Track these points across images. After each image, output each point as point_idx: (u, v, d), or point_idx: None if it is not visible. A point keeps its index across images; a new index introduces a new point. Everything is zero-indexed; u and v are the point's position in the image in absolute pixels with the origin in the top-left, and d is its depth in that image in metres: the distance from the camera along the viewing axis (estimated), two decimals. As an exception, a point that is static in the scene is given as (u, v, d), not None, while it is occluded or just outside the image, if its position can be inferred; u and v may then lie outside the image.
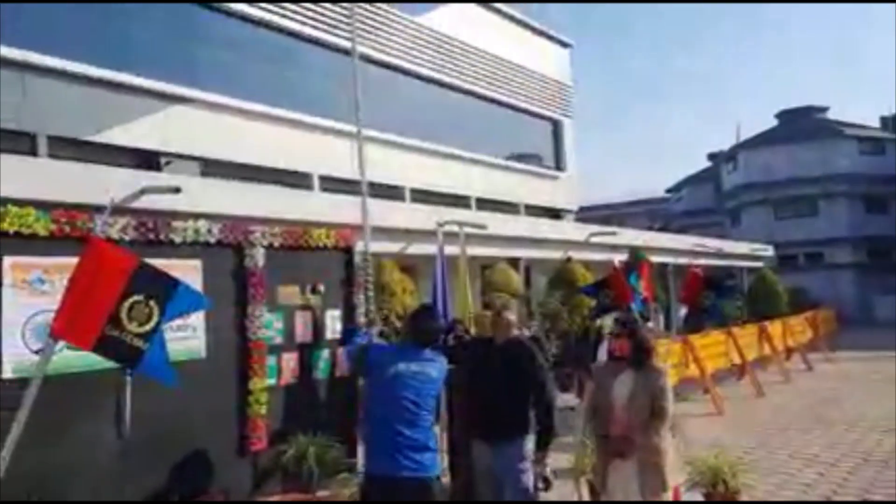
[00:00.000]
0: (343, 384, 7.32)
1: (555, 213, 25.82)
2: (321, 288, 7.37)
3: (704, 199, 50.45)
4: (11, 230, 5.10)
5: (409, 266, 11.16)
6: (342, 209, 9.60)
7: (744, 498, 5.64)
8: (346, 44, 16.79)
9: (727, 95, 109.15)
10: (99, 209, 5.71)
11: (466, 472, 5.25)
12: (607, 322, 7.46)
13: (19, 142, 11.48)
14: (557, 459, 5.50)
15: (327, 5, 16.74)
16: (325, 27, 16.89)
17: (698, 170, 53.88)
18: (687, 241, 23.44)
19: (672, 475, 4.41)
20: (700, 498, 5.72)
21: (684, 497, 5.82)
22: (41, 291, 5.25)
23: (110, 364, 5.09)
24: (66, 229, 5.42)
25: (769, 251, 28.35)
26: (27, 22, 11.78)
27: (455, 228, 10.43)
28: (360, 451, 5.02)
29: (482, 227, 11.30)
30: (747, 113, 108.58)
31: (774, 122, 47.43)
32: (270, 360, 6.83)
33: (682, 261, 22.99)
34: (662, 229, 51.29)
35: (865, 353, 19.02)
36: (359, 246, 7.69)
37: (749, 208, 44.25)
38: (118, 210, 6.47)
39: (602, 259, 18.05)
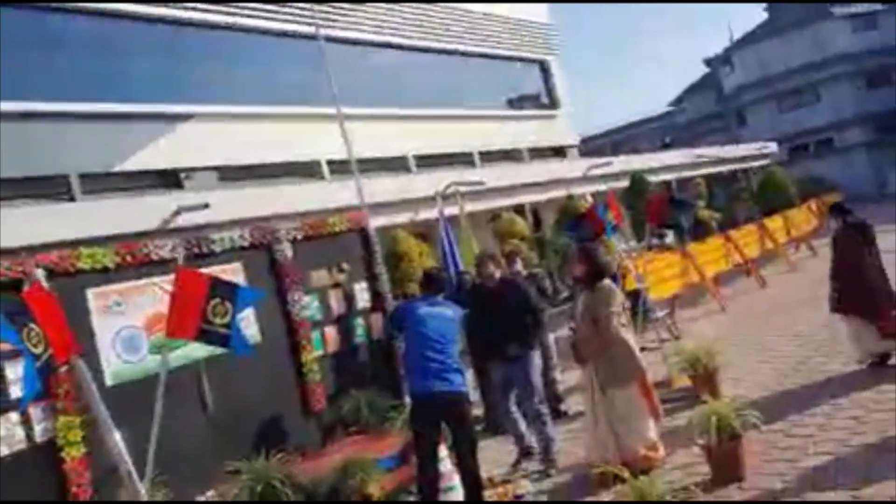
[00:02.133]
0: (379, 344, 8.47)
1: (559, 151, 26.62)
2: (346, 266, 8.47)
3: (707, 107, 50.53)
4: (87, 267, 6.26)
5: (422, 232, 12.22)
6: (352, 190, 10.66)
7: (721, 375, 6.73)
8: (328, 32, 17.78)
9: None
10: (147, 234, 6.88)
11: (490, 390, 6.49)
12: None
13: (55, 184, 12.67)
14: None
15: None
16: (293, 18, 17.44)
17: (697, 78, 53.79)
18: (686, 153, 24.13)
19: (632, 372, 5.24)
20: (688, 382, 6.82)
21: (676, 381, 6.93)
22: (120, 312, 6.43)
23: (189, 361, 6.34)
24: (128, 258, 6.57)
25: (772, 147, 28.86)
26: (43, 75, 12.87)
27: (462, 188, 11.43)
28: (405, 384, 6.17)
29: (480, 183, 12.28)
30: (737, 11, 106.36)
31: (765, 16, 47.06)
32: (315, 334, 7.97)
33: (686, 174, 23.80)
34: (673, 144, 51.70)
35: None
36: (375, 222, 8.77)
37: (752, 107, 44.38)
38: (163, 231, 7.66)
39: (605, 188, 19.01)
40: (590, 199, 9.39)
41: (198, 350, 5.64)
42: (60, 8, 13.30)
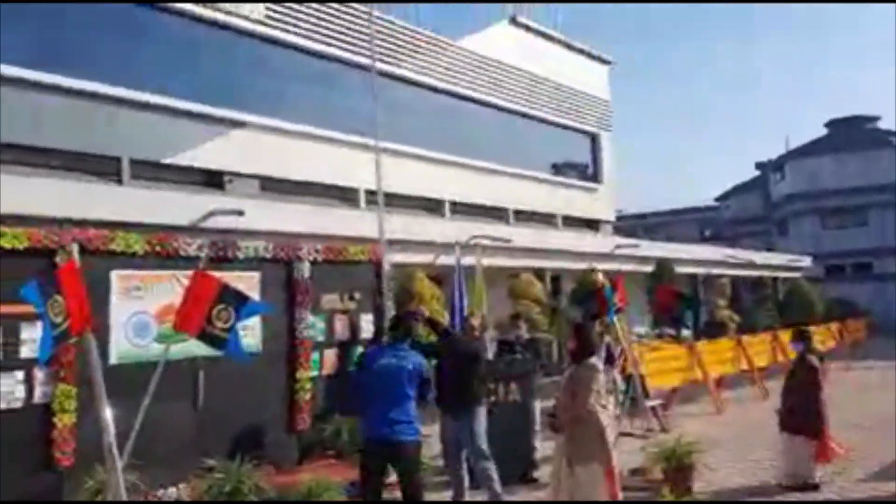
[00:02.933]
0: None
1: (592, 224, 26.91)
2: (357, 295, 8.79)
3: (753, 208, 50.56)
4: (118, 249, 6.66)
5: (438, 276, 12.52)
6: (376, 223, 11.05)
7: (695, 473, 6.84)
8: (386, 67, 18.45)
9: (776, 103, 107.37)
10: (179, 228, 7.28)
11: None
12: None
13: (107, 165, 13.30)
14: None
15: (358, 30, 17.91)
16: (355, 48, 18.05)
17: (747, 178, 53.94)
18: (717, 251, 24.21)
19: (597, 452, 5.29)
20: (660, 475, 6.93)
21: (650, 471, 7.05)
22: (138, 297, 6.81)
23: (189, 357, 6.66)
24: (157, 248, 6.97)
25: (805, 261, 28.77)
26: (115, 60, 13.61)
27: (483, 241, 11.75)
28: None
29: (504, 240, 12.58)
30: (796, 121, 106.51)
31: (824, 132, 47.26)
32: (314, 355, 8.28)
33: (715, 271, 23.85)
34: (713, 238, 51.68)
35: (890, 362, 19.55)
36: (395, 258, 9.09)
37: (796, 218, 44.30)
38: (194, 229, 8.06)
39: (630, 269, 19.19)
40: (601, 277, 9.61)
41: (198, 348, 5.94)
42: (151, 3, 14.12)
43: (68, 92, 12.72)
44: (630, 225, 49.63)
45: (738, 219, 51.45)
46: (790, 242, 41.80)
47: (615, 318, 9.07)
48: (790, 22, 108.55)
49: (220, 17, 15.26)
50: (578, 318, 10.01)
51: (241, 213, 9.41)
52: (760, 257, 26.73)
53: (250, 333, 7.65)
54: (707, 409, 12.26)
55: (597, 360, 5.48)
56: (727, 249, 25.75)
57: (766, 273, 26.43)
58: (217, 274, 6.51)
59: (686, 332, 22.60)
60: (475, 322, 7.11)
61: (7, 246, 5.82)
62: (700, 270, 23.00)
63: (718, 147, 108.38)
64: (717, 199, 56.60)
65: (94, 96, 13.10)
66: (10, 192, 8.22)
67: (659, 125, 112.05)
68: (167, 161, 14.26)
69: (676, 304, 10.13)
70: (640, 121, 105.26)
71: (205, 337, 4.39)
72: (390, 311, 8.88)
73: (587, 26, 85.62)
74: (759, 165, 52.36)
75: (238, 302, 4.40)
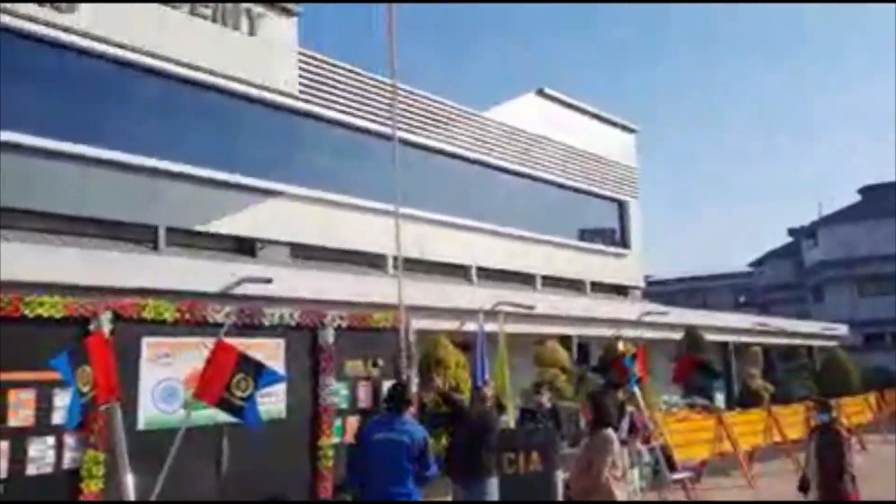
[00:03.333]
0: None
1: (621, 290, 26.82)
2: (380, 362, 8.89)
3: (787, 275, 50.01)
4: (149, 317, 6.91)
5: (464, 342, 12.58)
6: (406, 288, 11.21)
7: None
8: (415, 138, 18.98)
9: (809, 169, 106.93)
10: (209, 295, 7.52)
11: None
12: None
13: (144, 233, 13.79)
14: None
15: (386, 102, 18.41)
16: (383, 120, 18.56)
17: (780, 244, 53.49)
18: (748, 319, 23.87)
19: None
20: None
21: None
22: (167, 363, 7.01)
23: (212, 422, 6.79)
24: (187, 316, 7.20)
25: (840, 329, 28.17)
26: (154, 133, 14.26)
27: (506, 308, 11.83)
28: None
29: (529, 307, 12.64)
30: (829, 188, 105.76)
31: (857, 198, 46.90)
32: (337, 422, 8.34)
33: (747, 339, 23.47)
34: (747, 305, 51.01)
35: (932, 436, 18.88)
36: (415, 325, 9.20)
37: (831, 285, 43.60)
38: (224, 295, 8.31)
39: (659, 337, 19.03)
40: (621, 346, 9.56)
41: (223, 414, 6.07)
42: (184, 78, 14.84)
43: (110, 164, 13.33)
44: (665, 290, 49.27)
45: (772, 285, 50.84)
46: (826, 310, 41.02)
47: (636, 388, 9.01)
48: (820, 88, 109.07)
49: (254, 91, 15.93)
50: (598, 387, 9.96)
51: (269, 280, 9.67)
52: (793, 325, 26.25)
53: (274, 400, 7.78)
54: (738, 482, 11.95)
55: (611, 431, 5.48)
56: (759, 317, 25.37)
57: (799, 341, 25.92)
58: (243, 340, 6.76)
59: (719, 402, 22.15)
60: (487, 392, 7.17)
61: (45, 314, 6.09)
62: (731, 338, 22.66)
63: (752, 213, 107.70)
64: (750, 265, 56.10)
65: (134, 168, 13.69)
66: (50, 261, 8.60)
67: (691, 190, 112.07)
68: (202, 229, 14.72)
69: (696, 374, 9.99)
70: (673, 186, 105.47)
71: (223, 405, 4.54)
72: (414, 378, 8.96)
73: (616, 95, 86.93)
74: (791, 232, 52.00)
75: (257, 371, 4.56)
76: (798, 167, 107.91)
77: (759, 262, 54.89)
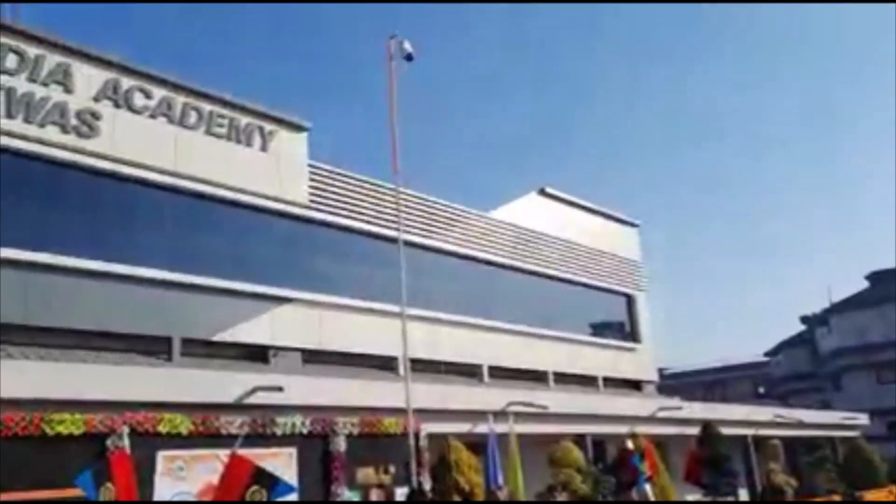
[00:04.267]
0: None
1: (635, 385, 26.61)
2: (392, 468, 8.97)
3: (802, 364, 49.44)
4: (164, 431, 7.11)
5: (476, 443, 12.54)
6: (416, 392, 11.33)
7: None
8: (421, 240, 19.46)
9: (816, 256, 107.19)
10: (222, 406, 7.71)
11: None
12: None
13: (158, 344, 14.07)
14: None
15: (392, 207, 18.97)
16: (390, 224, 19.02)
17: (793, 333, 53.09)
18: (766, 411, 23.55)
19: None
20: None
21: None
22: (181, 477, 7.16)
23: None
24: (201, 428, 7.40)
25: (861, 419, 27.65)
26: (167, 246, 14.80)
27: (518, 408, 11.86)
28: None
29: (543, 407, 12.65)
30: (837, 273, 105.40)
31: (865, 284, 46.92)
32: (349, 531, 8.35)
33: (765, 432, 23.09)
34: (766, 395, 50.17)
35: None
36: (426, 428, 9.31)
37: (849, 373, 43.01)
38: (237, 406, 8.49)
39: (673, 432, 18.81)
40: (630, 444, 9.51)
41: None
42: (199, 194, 15.52)
43: (126, 279, 13.78)
44: (682, 384, 48.61)
45: (789, 375, 50.13)
46: (846, 398, 40.28)
47: (646, 487, 8.96)
48: (822, 175, 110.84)
49: (266, 203, 16.57)
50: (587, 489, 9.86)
51: (280, 389, 9.83)
52: (812, 416, 25.83)
53: (287, 511, 7.83)
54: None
55: None
56: (776, 409, 25.01)
57: (820, 432, 25.43)
58: (257, 451, 6.93)
59: (742, 496, 21.53)
60: (501, 496, 7.21)
61: (65, 432, 6.32)
62: (749, 431, 22.30)
63: (763, 302, 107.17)
64: (766, 354, 55.50)
65: (149, 281, 14.13)
66: (69, 377, 8.84)
67: (701, 280, 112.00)
68: (215, 338, 14.99)
69: (704, 471, 9.87)
70: (683, 278, 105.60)
71: (246, 520, 4.71)
72: (427, 482, 8.99)
73: (621, 196, 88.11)
74: (804, 319, 51.68)
75: (271, 483, 4.75)
76: (808, 254, 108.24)
77: (774, 352, 54.30)
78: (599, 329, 26.65)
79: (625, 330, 27.68)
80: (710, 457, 13.36)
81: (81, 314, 13.10)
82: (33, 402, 7.28)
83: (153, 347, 14.03)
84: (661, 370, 38.74)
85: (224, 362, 14.64)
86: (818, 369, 46.85)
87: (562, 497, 8.39)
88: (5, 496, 5.71)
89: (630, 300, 28.06)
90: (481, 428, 12.83)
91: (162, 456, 7.01)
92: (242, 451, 6.30)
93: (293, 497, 7.83)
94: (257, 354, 15.85)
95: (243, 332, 15.56)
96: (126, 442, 6.24)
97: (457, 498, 8.50)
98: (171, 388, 9.14)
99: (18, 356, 11.38)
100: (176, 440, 7.19)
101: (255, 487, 4.63)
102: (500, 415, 11.56)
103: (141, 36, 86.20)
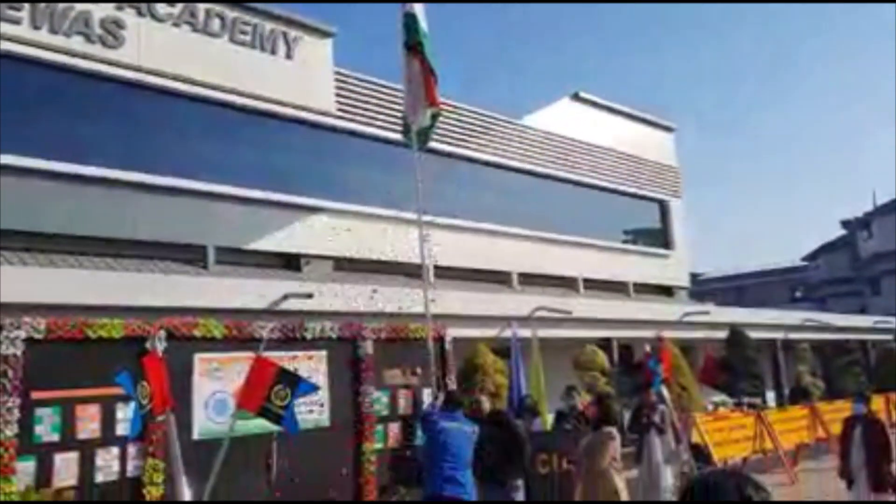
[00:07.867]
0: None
1: (667, 291, 26.71)
2: (419, 370, 9.31)
3: (842, 268, 48.84)
4: (200, 335, 7.47)
5: (503, 348, 12.91)
6: (441, 300, 11.62)
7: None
8: (452, 148, 19.37)
9: (861, 159, 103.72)
10: (255, 312, 8.04)
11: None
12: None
13: (194, 252, 14.51)
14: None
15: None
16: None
17: (833, 237, 52.25)
18: (796, 315, 23.56)
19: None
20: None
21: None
22: (218, 377, 7.55)
23: (260, 431, 7.31)
24: (234, 332, 7.74)
25: (893, 323, 27.51)
26: (202, 158, 15.02)
27: (543, 314, 12.10)
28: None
29: (567, 312, 12.89)
30: (882, 176, 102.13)
31: (911, 186, 45.61)
32: (378, 428, 8.79)
33: (794, 336, 23.20)
34: (803, 299, 49.91)
35: None
36: (454, 333, 9.59)
37: (888, 277, 42.47)
38: (270, 311, 8.84)
39: (700, 336, 19.01)
40: (647, 348, 9.70)
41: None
42: (232, 105, 15.58)
43: (162, 189, 14.09)
44: (718, 288, 48.59)
45: (828, 279, 49.68)
46: (885, 303, 39.95)
47: (663, 388, 9.20)
48: (872, 82, 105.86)
49: (294, 112, 16.56)
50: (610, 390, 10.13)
51: (310, 295, 10.18)
52: (844, 320, 25.77)
53: (319, 409, 8.27)
54: (781, 479, 11.98)
55: (613, 429, 5.88)
56: (806, 313, 24.98)
57: (852, 336, 25.43)
58: (288, 353, 7.28)
59: (770, 401, 21.90)
60: (482, 399, 7.69)
61: (106, 335, 6.69)
62: (779, 335, 22.41)
63: (803, 205, 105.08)
64: (804, 259, 54.89)
65: (184, 192, 14.43)
66: (109, 284, 9.27)
67: (741, 184, 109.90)
68: (248, 247, 15.39)
69: (721, 373, 10.11)
70: (723, 180, 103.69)
71: (264, 414, 5.03)
72: (452, 384, 9.35)
73: (670, 92, 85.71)
74: (845, 224, 50.71)
75: (294, 382, 5.04)
76: (853, 156, 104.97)
77: (813, 256, 53.67)
78: (632, 235, 26.57)
79: (658, 236, 27.55)
80: (735, 359, 13.54)
81: (121, 224, 13.51)
82: (74, 308, 7.70)
83: (189, 255, 14.48)
84: (695, 276, 38.68)
85: (257, 270, 15.08)
86: (857, 273, 46.32)
87: (577, 398, 8.69)
88: (53, 393, 6.16)
89: (664, 206, 27.77)
90: (507, 333, 13.18)
91: (198, 358, 7.38)
92: (279, 354, 6.70)
93: (325, 396, 8.26)
94: (290, 263, 16.26)
95: (276, 241, 15.93)
96: (163, 345, 6.58)
97: (484, 397, 8.81)
98: (207, 294, 9.55)
99: (62, 264, 11.92)
100: (211, 344, 7.54)
101: (279, 386, 4.93)
102: (526, 320, 11.82)
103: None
